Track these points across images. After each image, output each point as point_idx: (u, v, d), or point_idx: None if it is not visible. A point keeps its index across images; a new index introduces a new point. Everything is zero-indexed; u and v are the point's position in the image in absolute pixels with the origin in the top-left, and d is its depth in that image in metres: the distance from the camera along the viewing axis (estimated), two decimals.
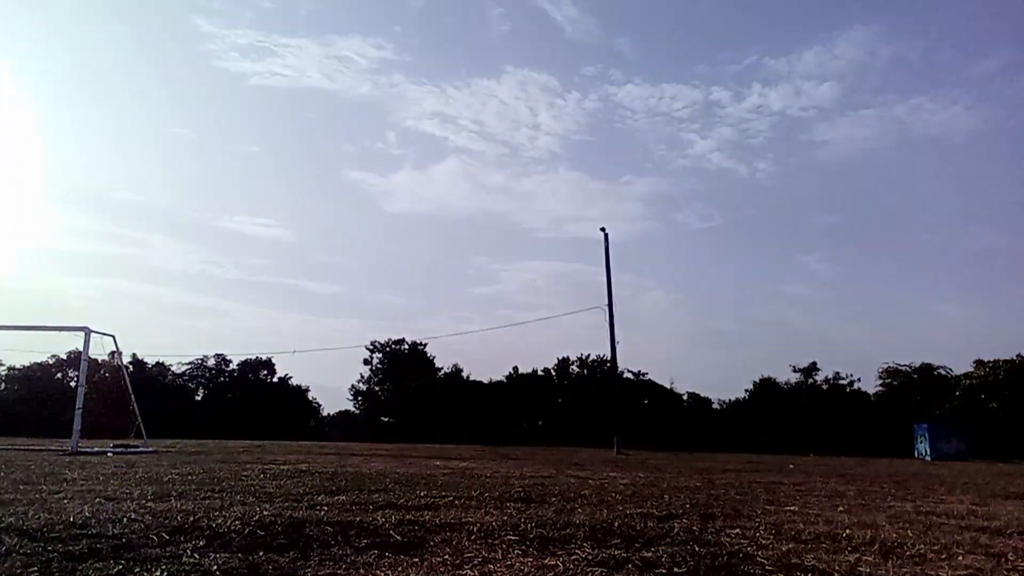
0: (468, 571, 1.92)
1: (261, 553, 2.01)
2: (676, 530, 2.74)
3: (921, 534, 2.86)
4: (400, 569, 1.89)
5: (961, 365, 39.40)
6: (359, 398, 53.26)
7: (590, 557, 2.13)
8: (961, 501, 4.67)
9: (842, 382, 45.37)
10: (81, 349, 11.70)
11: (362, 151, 77.65)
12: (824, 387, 45.28)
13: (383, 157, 75.66)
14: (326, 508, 3.12)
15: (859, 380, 45.29)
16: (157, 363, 51.34)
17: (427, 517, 2.90)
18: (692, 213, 72.47)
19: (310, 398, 55.06)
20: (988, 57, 64.81)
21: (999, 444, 28.68)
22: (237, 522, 2.51)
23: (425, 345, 54.04)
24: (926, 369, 42.68)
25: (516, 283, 71.37)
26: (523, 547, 2.28)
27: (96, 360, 14.01)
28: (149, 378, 46.90)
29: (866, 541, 2.60)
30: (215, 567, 1.80)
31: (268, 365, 52.93)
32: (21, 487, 3.87)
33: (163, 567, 1.77)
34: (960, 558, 2.34)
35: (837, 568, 2.07)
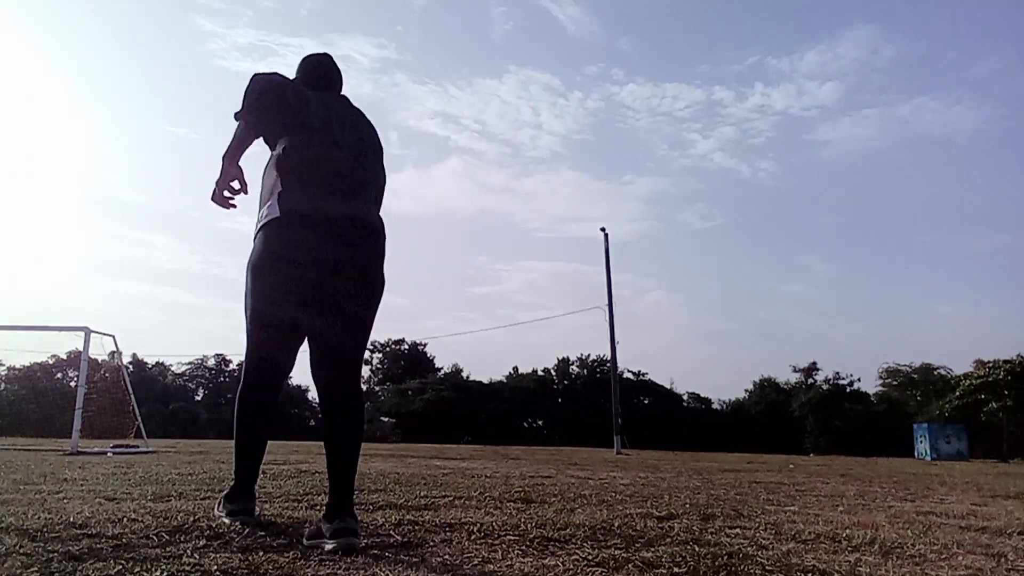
0: (468, 571, 1.92)
1: (261, 553, 2.01)
2: (676, 530, 2.74)
3: (921, 534, 2.86)
4: (400, 569, 1.89)
5: (961, 365, 39.52)
6: None
7: (590, 557, 2.13)
8: (961, 501, 4.67)
9: (842, 382, 45.47)
10: (81, 349, 11.69)
11: None
12: (824, 387, 45.33)
13: (384, 157, 75.66)
14: (326, 508, 3.11)
15: (859, 380, 45.36)
16: (157, 363, 51.41)
17: (427, 517, 2.90)
18: (693, 213, 72.60)
19: (310, 398, 55.07)
20: (991, 56, 64.97)
21: (999, 444, 28.70)
22: (237, 522, 2.51)
23: (425, 345, 54.06)
24: (926, 369, 42.74)
25: (516, 283, 71.40)
26: (523, 547, 2.28)
27: (96, 360, 14.01)
28: (149, 378, 46.94)
29: (866, 541, 2.60)
30: (215, 567, 1.79)
31: None
32: (21, 487, 3.87)
33: (163, 567, 1.77)
34: (960, 558, 2.34)
35: (837, 568, 2.07)
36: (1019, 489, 6.16)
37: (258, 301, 2.44)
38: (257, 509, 2.75)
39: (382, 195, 2.67)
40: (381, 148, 2.72)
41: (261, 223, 2.42)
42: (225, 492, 2.77)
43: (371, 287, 2.48)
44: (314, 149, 2.39)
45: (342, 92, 2.79)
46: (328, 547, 2.09)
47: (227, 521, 2.50)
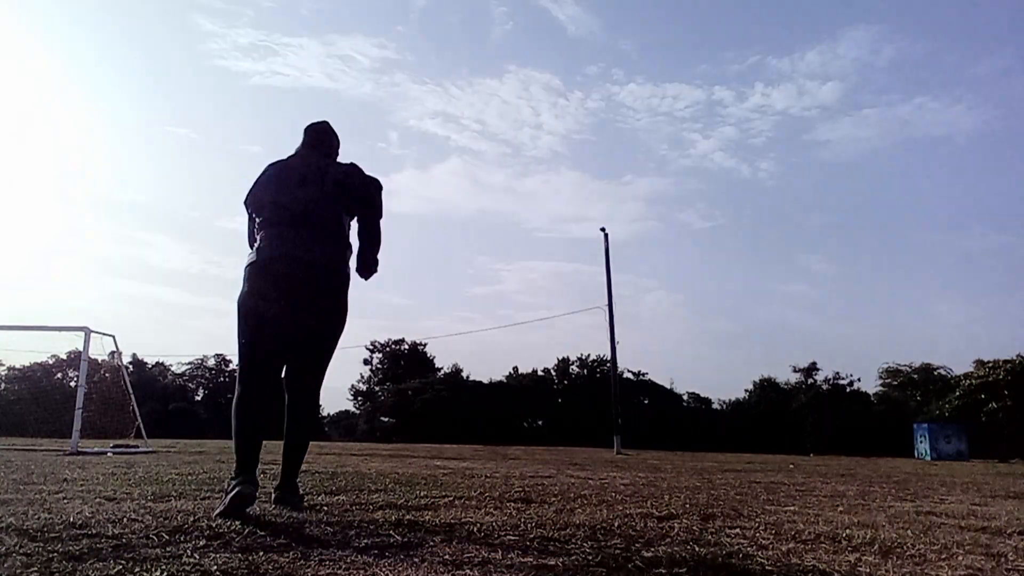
0: (468, 571, 1.92)
1: (261, 553, 2.01)
2: (676, 530, 2.74)
3: (921, 534, 2.86)
4: (400, 569, 1.89)
5: (961, 365, 39.47)
6: (359, 398, 53.25)
7: (590, 557, 2.13)
8: (961, 501, 4.67)
9: (842, 382, 45.43)
10: (81, 349, 11.69)
11: (364, 151, 77.56)
12: (824, 387, 45.32)
13: (385, 157, 75.63)
14: (326, 508, 3.12)
15: (859, 380, 45.34)
16: (157, 363, 51.40)
17: (427, 517, 2.90)
18: (694, 213, 72.58)
19: None
20: (991, 57, 64.97)
21: (999, 444, 28.68)
22: (237, 522, 2.51)
23: (425, 345, 53.99)
24: (926, 369, 42.73)
25: (516, 283, 71.39)
26: (523, 547, 2.28)
27: (96, 360, 14.00)
28: (149, 378, 46.91)
29: (866, 541, 2.60)
30: (215, 567, 1.79)
31: None
32: (21, 487, 3.87)
33: (163, 567, 1.77)
34: (960, 558, 2.34)
35: (837, 568, 2.07)
36: (1019, 489, 6.16)
37: (243, 320, 3.04)
38: (256, 504, 2.76)
39: (339, 233, 3.20)
40: (350, 194, 3.24)
41: (245, 265, 3.12)
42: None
43: (325, 315, 3.13)
44: (266, 215, 3.14)
45: (334, 151, 3.44)
46: (271, 507, 2.99)
47: (235, 492, 2.66)
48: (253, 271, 3.05)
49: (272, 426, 3.15)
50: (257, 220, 3.17)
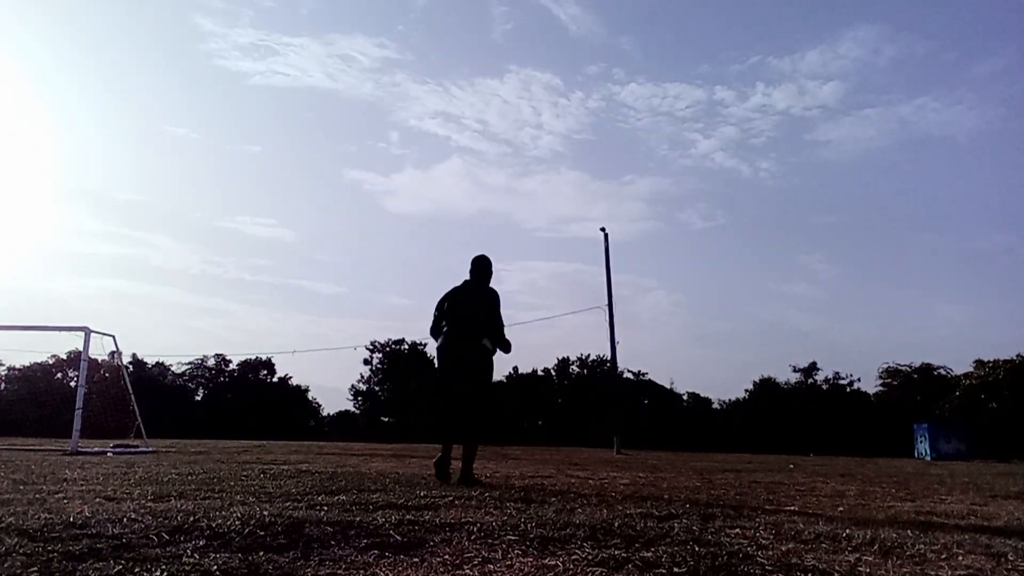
0: (468, 571, 1.92)
1: (261, 553, 2.01)
2: (676, 530, 2.73)
3: (921, 534, 2.86)
4: (400, 569, 1.89)
5: (961, 365, 39.43)
6: (359, 398, 53.23)
7: (590, 557, 2.13)
8: (961, 501, 4.67)
9: (842, 382, 45.44)
10: (81, 349, 11.70)
11: (364, 150, 77.53)
12: (824, 387, 45.34)
13: (385, 157, 75.62)
14: (326, 508, 3.12)
15: (859, 380, 45.35)
16: (157, 363, 51.41)
17: (427, 517, 2.90)
18: (694, 213, 72.51)
19: (310, 398, 55.07)
20: (992, 56, 64.91)
21: (999, 444, 28.66)
22: (237, 522, 2.51)
23: (425, 345, 53.89)
24: (926, 369, 42.73)
25: (516, 283, 71.34)
26: (523, 547, 2.28)
27: (96, 360, 14.00)
28: (149, 378, 46.89)
29: (866, 541, 2.60)
30: (215, 567, 1.79)
31: (268, 365, 52.95)
32: (21, 487, 3.87)
33: (163, 567, 1.77)
34: (960, 558, 2.34)
35: (837, 568, 2.07)
36: (1019, 489, 6.16)
37: (436, 382, 5.46)
38: (257, 504, 2.75)
39: (487, 331, 5.28)
40: (492, 307, 5.33)
41: (437, 346, 5.39)
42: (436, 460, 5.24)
43: (474, 375, 5.22)
44: (447, 320, 5.33)
45: (487, 276, 5.43)
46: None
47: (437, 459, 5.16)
48: (438, 355, 5.34)
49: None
50: (444, 322, 5.30)
